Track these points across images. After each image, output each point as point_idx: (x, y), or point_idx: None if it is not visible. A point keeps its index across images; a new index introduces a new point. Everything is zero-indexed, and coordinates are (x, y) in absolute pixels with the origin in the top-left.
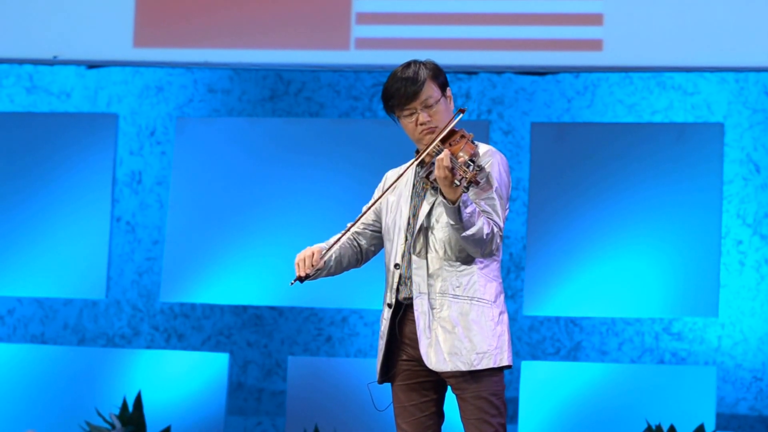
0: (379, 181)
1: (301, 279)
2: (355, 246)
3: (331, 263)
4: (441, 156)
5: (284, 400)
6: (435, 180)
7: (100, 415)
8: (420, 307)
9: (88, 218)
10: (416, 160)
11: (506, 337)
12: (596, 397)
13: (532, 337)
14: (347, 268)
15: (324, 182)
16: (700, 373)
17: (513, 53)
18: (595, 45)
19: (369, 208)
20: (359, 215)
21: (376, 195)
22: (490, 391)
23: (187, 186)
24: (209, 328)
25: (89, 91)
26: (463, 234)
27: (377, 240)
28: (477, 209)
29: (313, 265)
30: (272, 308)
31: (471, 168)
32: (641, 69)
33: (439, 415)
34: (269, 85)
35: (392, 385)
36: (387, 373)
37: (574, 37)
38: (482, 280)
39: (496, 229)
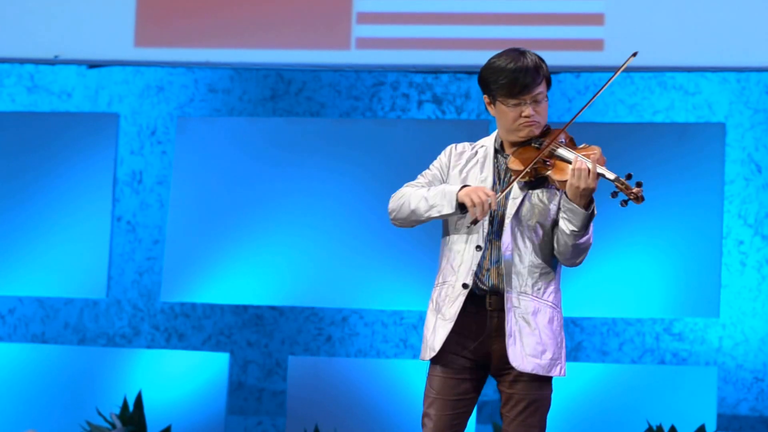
0: (380, 178)
1: (476, 221)
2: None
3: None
4: (588, 167)
5: (284, 400)
6: (540, 175)
7: (100, 414)
8: (508, 302)
9: (88, 218)
10: (533, 160)
11: (565, 347)
12: (597, 398)
13: None
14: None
15: (324, 182)
16: (701, 373)
17: None
18: (596, 45)
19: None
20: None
21: (439, 165)
22: (542, 397)
23: (187, 186)
24: (210, 327)
25: (90, 91)
26: (578, 241)
27: None
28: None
29: (490, 207)
30: (273, 308)
31: (632, 183)
32: (642, 69)
33: (469, 414)
34: (270, 84)
35: (431, 367)
36: (440, 354)
37: (575, 37)
38: (555, 285)
39: (591, 242)
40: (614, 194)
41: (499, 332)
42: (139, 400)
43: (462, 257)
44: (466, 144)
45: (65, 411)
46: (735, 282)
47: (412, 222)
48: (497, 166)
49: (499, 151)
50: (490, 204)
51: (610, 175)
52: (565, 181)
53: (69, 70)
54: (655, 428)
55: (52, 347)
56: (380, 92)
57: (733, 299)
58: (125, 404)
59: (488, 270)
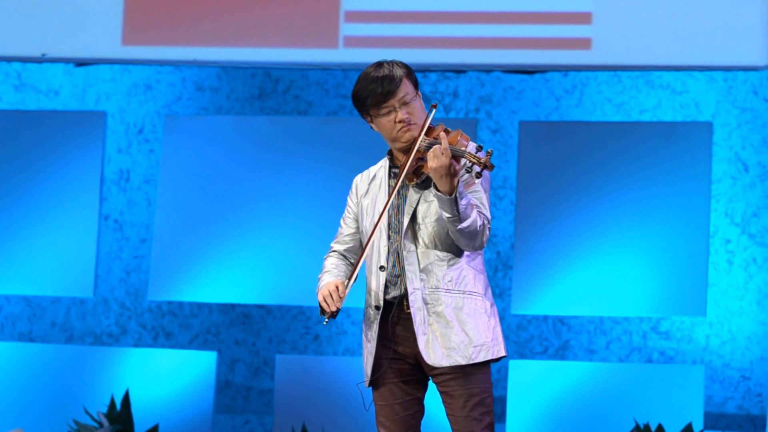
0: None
1: (333, 315)
2: (349, 264)
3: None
4: (440, 146)
5: (272, 399)
6: (422, 174)
7: (87, 413)
8: (415, 303)
9: (76, 216)
10: (409, 158)
11: (499, 328)
12: (584, 396)
13: (519, 335)
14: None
15: (312, 180)
16: (688, 372)
17: (501, 52)
18: (584, 44)
19: (373, 228)
20: (351, 243)
21: (350, 205)
22: (480, 388)
23: (175, 184)
24: (197, 326)
25: (77, 89)
26: (459, 226)
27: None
28: (471, 201)
29: (341, 298)
30: (260, 306)
31: (482, 154)
32: (630, 68)
33: (421, 412)
34: (257, 83)
35: (374, 386)
36: (375, 375)
37: (563, 35)
38: (471, 273)
39: (486, 222)
40: (469, 169)
41: (411, 334)
42: (126, 399)
43: (371, 282)
44: (367, 170)
45: (52, 410)
46: (722, 281)
47: None
48: (390, 183)
49: (392, 165)
50: (336, 296)
51: (459, 152)
52: None
53: (56, 68)
54: (642, 427)
55: (39, 346)
56: None
57: (720, 298)
58: (112, 403)
59: (397, 277)
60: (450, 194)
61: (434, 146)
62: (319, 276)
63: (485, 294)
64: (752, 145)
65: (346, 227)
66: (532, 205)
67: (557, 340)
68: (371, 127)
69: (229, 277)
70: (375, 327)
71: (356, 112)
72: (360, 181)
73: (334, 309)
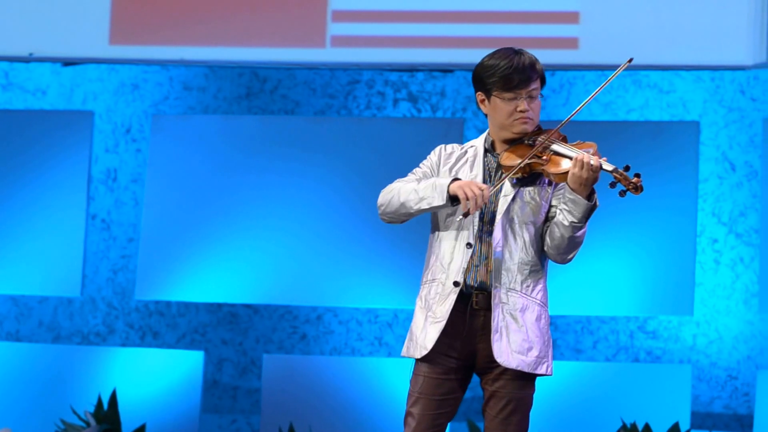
0: (354, 177)
1: (467, 214)
2: None
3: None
4: (587, 158)
5: (259, 398)
6: (532, 171)
7: (74, 413)
8: (495, 298)
9: (63, 216)
10: (527, 157)
11: (551, 344)
12: (571, 396)
13: None
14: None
15: (299, 180)
16: (675, 371)
17: (489, 51)
18: (571, 43)
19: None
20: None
21: (429, 164)
22: (525, 395)
23: (162, 184)
24: (184, 325)
25: (65, 89)
26: (576, 233)
27: None
28: None
29: (480, 204)
30: (247, 306)
31: (630, 174)
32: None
33: (453, 414)
34: (245, 82)
35: (417, 365)
36: (430, 354)
37: (550, 35)
38: (544, 284)
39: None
40: (612, 185)
41: (485, 330)
42: (113, 399)
43: (452, 255)
44: (455, 145)
45: (39, 409)
46: (709, 280)
47: (401, 216)
48: (487, 165)
49: (489, 150)
50: (483, 197)
51: (609, 167)
52: (563, 173)
53: (44, 67)
54: (629, 426)
55: (26, 345)
56: (355, 90)
57: (707, 297)
58: (100, 402)
59: (477, 267)
60: (589, 200)
61: (582, 157)
62: (401, 182)
63: (547, 306)
64: (739, 144)
65: (420, 171)
66: None
67: None
68: (477, 104)
69: (217, 276)
70: (449, 302)
71: (344, 112)
72: (444, 151)
73: (475, 211)
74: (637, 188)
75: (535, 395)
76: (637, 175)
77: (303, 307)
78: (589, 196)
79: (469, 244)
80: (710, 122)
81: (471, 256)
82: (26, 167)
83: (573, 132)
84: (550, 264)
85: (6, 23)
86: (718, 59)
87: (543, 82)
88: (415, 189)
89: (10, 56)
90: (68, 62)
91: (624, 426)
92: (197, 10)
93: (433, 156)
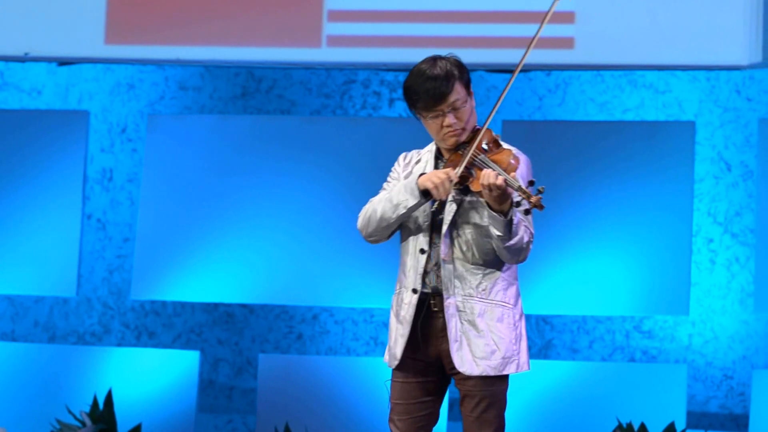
0: (350, 177)
1: (442, 203)
2: None
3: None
4: (492, 178)
5: (255, 398)
6: (472, 188)
7: (70, 412)
8: (449, 309)
9: (59, 215)
10: (461, 161)
11: (525, 341)
12: (567, 395)
13: None
14: (389, 236)
15: (295, 180)
16: (670, 371)
17: (485, 51)
18: (567, 43)
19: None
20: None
21: (394, 175)
22: (497, 391)
23: (158, 183)
24: (180, 325)
25: (60, 88)
26: (507, 244)
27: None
28: (520, 218)
29: (452, 182)
30: (243, 306)
31: (533, 190)
32: (613, 67)
33: (436, 417)
34: (240, 82)
35: (393, 372)
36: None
37: (546, 35)
38: (505, 284)
39: (531, 237)
40: (517, 204)
41: (444, 333)
42: (109, 398)
43: (410, 262)
44: (414, 151)
45: (35, 409)
46: (704, 280)
47: (383, 230)
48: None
49: (438, 156)
50: (449, 179)
51: (514, 184)
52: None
53: (39, 67)
54: (625, 426)
55: (21, 345)
56: (351, 90)
57: (702, 297)
58: (95, 402)
59: (430, 272)
60: (505, 215)
61: (487, 171)
62: (374, 200)
63: (515, 305)
64: (735, 144)
65: (389, 185)
66: None
67: (540, 339)
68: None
69: (212, 276)
70: (411, 311)
71: (339, 111)
72: (404, 160)
73: (443, 197)
74: (537, 206)
75: (529, 394)
76: (540, 191)
77: (299, 306)
78: (509, 209)
79: (422, 250)
80: (706, 122)
81: (426, 262)
82: (22, 167)
83: (572, 132)
84: (544, 265)
85: (1, 23)
86: (713, 59)
87: (467, 83)
88: (388, 198)
89: (6, 56)
90: (64, 62)
91: (620, 425)
92: (193, 9)
93: (396, 166)
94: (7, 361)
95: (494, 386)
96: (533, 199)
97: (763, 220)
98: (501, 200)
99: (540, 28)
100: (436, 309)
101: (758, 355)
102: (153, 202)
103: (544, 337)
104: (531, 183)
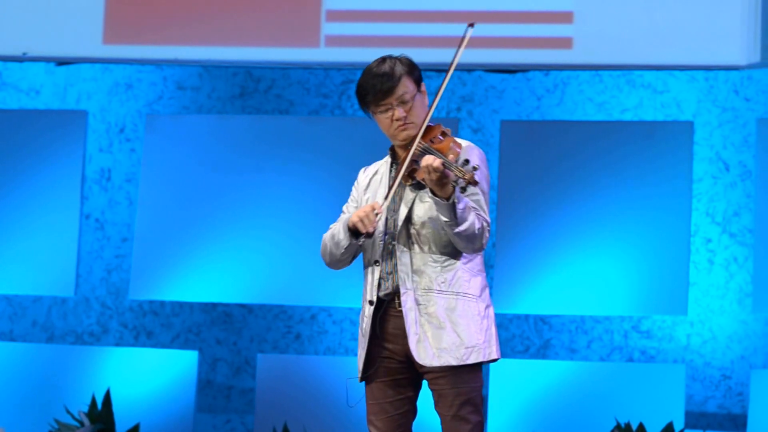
0: (349, 177)
1: (370, 235)
2: None
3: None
4: (430, 161)
5: (253, 398)
6: (417, 177)
7: (68, 412)
8: (407, 303)
9: (57, 215)
10: (404, 162)
11: (493, 330)
12: (565, 395)
13: (501, 334)
14: (350, 262)
15: (293, 179)
16: (668, 371)
17: (483, 51)
18: (565, 43)
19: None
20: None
21: (354, 194)
22: (469, 387)
23: (156, 183)
24: (178, 325)
25: (59, 88)
26: (457, 230)
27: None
28: (468, 204)
29: (377, 215)
30: (241, 306)
31: (468, 168)
32: (611, 67)
33: (413, 412)
34: (239, 82)
35: (366, 382)
36: (367, 371)
37: (545, 35)
38: (467, 275)
39: (485, 224)
40: (463, 189)
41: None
42: (107, 398)
43: (368, 275)
44: (374, 163)
45: (33, 409)
46: (703, 280)
47: (339, 261)
48: (391, 175)
49: (394, 161)
50: (376, 214)
51: (450, 166)
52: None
53: (37, 67)
54: (623, 425)
55: (20, 345)
56: (349, 90)
57: (701, 297)
58: (93, 402)
59: (390, 274)
60: (447, 199)
61: (426, 156)
62: (331, 227)
63: (480, 296)
64: (733, 144)
65: (348, 212)
66: (513, 205)
67: (539, 339)
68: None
69: (211, 276)
70: (367, 321)
71: (337, 111)
72: (363, 174)
73: (371, 229)
74: (471, 182)
75: (528, 394)
76: (476, 168)
77: (297, 306)
78: (451, 195)
79: (376, 261)
80: (704, 122)
81: (382, 271)
82: (20, 167)
83: (570, 132)
84: (543, 264)
85: (0, 23)
86: (711, 59)
87: (417, 79)
88: (332, 234)
89: (4, 56)
90: (62, 62)
91: (618, 425)
92: (191, 9)
93: (355, 185)
94: (6, 361)
95: (465, 380)
96: (467, 175)
97: (762, 220)
98: (442, 184)
99: (457, 53)
100: (400, 309)
101: (756, 355)
102: (151, 202)
103: (542, 336)
104: (466, 162)
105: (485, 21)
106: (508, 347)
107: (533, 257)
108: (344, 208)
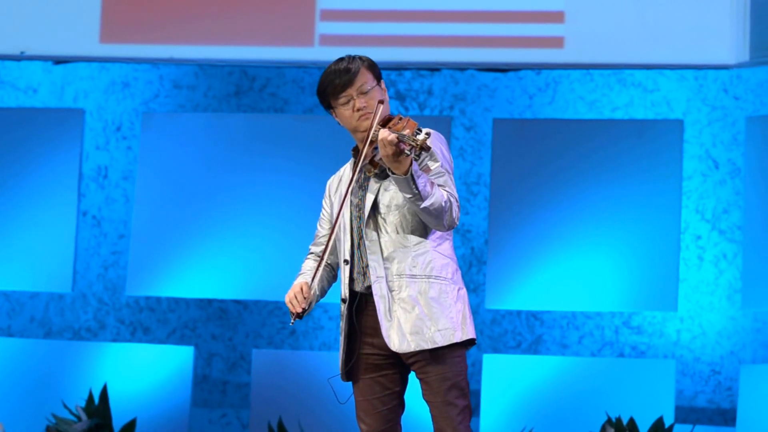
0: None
1: (300, 315)
2: (327, 266)
3: (317, 292)
4: (385, 134)
5: (249, 393)
6: (381, 161)
7: (66, 407)
8: (379, 291)
9: (54, 212)
10: (364, 148)
11: (467, 311)
12: (557, 390)
13: (493, 330)
14: (329, 287)
15: (288, 177)
16: (659, 366)
17: (475, 50)
18: (557, 42)
19: (330, 233)
20: (325, 243)
21: (325, 207)
22: (453, 372)
23: (152, 181)
24: (174, 321)
25: (56, 87)
26: (423, 205)
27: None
28: (429, 179)
29: (305, 298)
30: (237, 302)
31: (419, 135)
32: (602, 66)
33: (401, 407)
34: (234, 81)
35: (354, 380)
36: (349, 369)
37: (536, 34)
38: (438, 259)
39: (453, 199)
40: (409, 152)
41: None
42: (104, 393)
43: (340, 276)
44: (337, 172)
45: (31, 404)
46: (693, 276)
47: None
48: (352, 175)
49: (356, 161)
50: (298, 298)
51: (403, 136)
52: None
53: (35, 66)
54: (614, 420)
55: (17, 341)
56: None
57: (690, 293)
58: (90, 397)
59: (364, 268)
60: (405, 173)
61: (381, 130)
62: (307, 256)
63: (452, 278)
64: (722, 142)
65: (322, 229)
66: (505, 202)
67: (530, 334)
68: (337, 122)
69: (206, 272)
70: (345, 318)
71: None
72: (331, 182)
73: (299, 310)
74: (423, 148)
75: (520, 389)
76: (428, 133)
77: None
78: (408, 170)
79: (346, 261)
80: (694, 120)
81: (352, 267)
82: (17, 165)
83: (562, 130)
84: (535, 261)
85: None
86: (701, 58)
87: (376, 74)
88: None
89: (2, 54)
90: (59, 60)
91: (609, 420)
92: (187, 8)
93: (325, 197)
94: (3, 356)
95: (448, 365)
96: (419, 141)
97: (751, 217)
98: (397, 157)
99: None
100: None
101: (745, 351)
102: (147, 199)
103: (534, 332)
104: (419, 130)
105: (477, 21)
106: (500, 343)
107: (525, 254)
108: (318, 224)
